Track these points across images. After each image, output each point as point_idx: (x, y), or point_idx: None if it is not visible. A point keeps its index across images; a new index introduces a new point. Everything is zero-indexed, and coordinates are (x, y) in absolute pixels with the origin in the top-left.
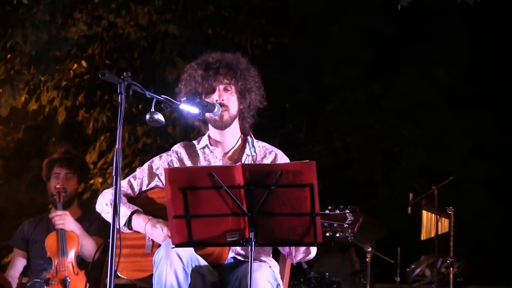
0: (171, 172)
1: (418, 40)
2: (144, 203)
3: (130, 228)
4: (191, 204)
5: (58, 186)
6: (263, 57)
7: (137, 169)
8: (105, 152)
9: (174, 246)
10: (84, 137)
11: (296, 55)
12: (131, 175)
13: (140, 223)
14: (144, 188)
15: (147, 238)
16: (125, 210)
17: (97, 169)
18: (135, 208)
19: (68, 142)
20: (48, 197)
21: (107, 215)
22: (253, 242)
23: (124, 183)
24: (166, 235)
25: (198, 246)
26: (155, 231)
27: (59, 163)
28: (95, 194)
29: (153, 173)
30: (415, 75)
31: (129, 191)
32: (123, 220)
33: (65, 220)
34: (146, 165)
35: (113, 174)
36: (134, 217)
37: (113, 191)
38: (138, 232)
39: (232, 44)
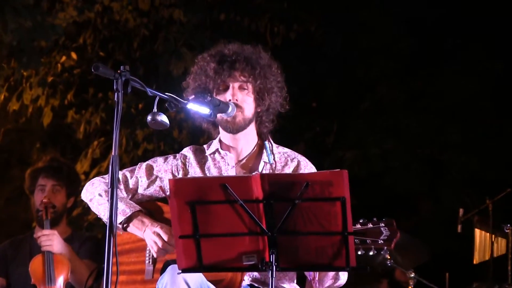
0: (176, 183)
1: (467, 29)
2: (152, 211)
3: (125, 229)
4: (201, 221)
5: (45, 200)
6: (285, 47)
7: (138, 165)
8: (99, 160)
9: (181, 271)
10: (74, 143)
11: (324, 45)
12: (127, 169)
13: (139, 225)
14: (140, 190)
15: (147, 262)
16: (124, 207)
17: (89, 179)
18: (138, 207)
19: (55, 149)
20: (32, 213)
21: (99, 207)
22: (274, 267)
23: (118, 175)
24: (165, 246)
25: (209, 271)
26: (154, 238)
27: (44, 173)
28: (87, 211)
29: (153, 174)
30: (463, 70)
31: (121, 186)
32: (119, 218)
33: (53, 241)
34: (145, 164)
35: (109, 186)
36: (135, 218)
37: (110, 196)
38: (135, 236)
39: (249, 33)
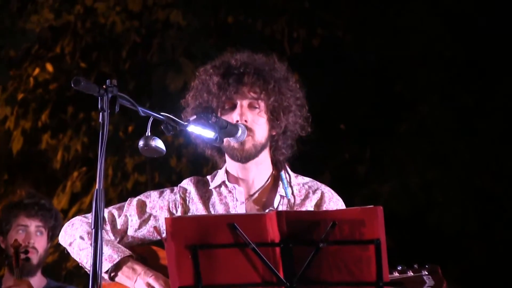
0: (174, 222)
1: None
2: (145, 256)
3: (112, 278)
4: (204, 269)
5: (15, 243)
6: (307, 56)
7: (127, 201)
8: (80, 195)
9: None
10: (50, 173)
11: (354, 53)
12: (114, 206)
13: (130, 274)
14: (130, 232)
15: None
16: (111, 252)
17: (68, 219)
18: (128, 252)
19: (26, 181)
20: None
21: (80, 253)
22: None
23: (104, 214)
24: None
25: None
26: None
27: (27, 212)
28: (66, 257)
29: (146, 212)
30: None
31: (107, 227)
32: (106, 265)
33: None
34: (137, 200)
35: (92, 227)
36: (125, 265)
37: (93, 239)
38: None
39: (262, 39)
